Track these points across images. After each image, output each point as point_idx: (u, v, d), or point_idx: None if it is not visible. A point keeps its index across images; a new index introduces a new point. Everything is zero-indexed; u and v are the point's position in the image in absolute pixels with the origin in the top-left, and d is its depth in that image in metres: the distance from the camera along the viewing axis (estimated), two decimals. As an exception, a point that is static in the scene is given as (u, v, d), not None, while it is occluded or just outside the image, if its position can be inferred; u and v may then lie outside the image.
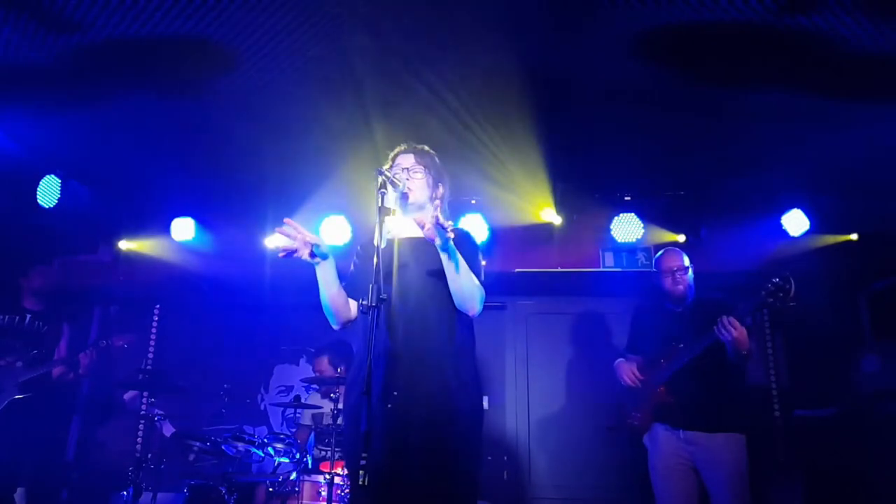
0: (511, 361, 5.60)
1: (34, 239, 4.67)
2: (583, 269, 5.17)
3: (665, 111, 3.70)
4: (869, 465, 4.29)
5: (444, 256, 2.19)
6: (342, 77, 3.35)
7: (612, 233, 4.84)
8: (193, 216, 5.03)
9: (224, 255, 5.19)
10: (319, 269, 2.24)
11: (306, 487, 3.82)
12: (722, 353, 3.16)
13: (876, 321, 5.10)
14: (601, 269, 5.17)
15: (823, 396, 4.87)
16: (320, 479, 3.78)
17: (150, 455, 4.29)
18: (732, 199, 4.80)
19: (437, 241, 2.13)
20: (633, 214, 4.81)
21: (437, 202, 2.48)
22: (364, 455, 1.78)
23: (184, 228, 4.99)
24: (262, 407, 5.67)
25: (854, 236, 4.87)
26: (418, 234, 2.21)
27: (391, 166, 2.45)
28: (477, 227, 4.70)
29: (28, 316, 4.18)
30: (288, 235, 2.15)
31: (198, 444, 4.35)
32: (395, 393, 2.10)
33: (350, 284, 2.38)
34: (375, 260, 1.99)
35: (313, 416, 4.58)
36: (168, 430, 5.23)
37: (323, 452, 4.27)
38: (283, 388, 5.69)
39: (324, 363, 4.66)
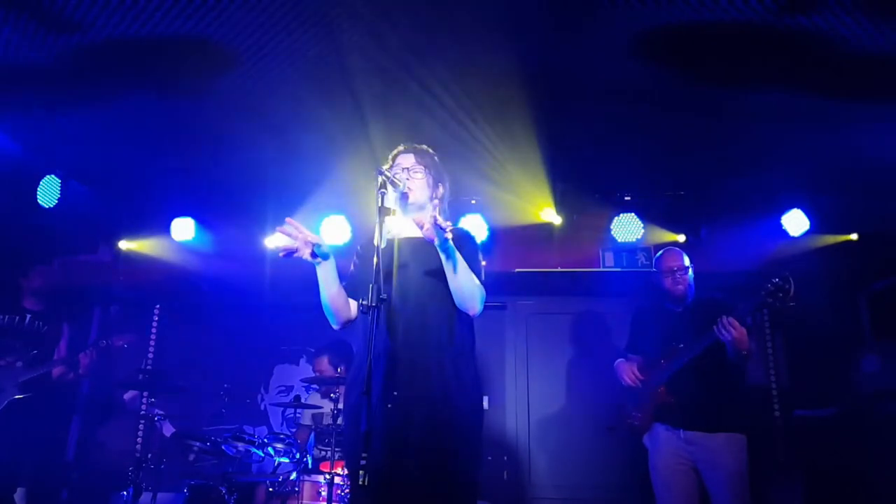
0: (511, 361, 5.60)
1: (34, 239, 4.67)
2: (583, 269, 5.18)
3: (665, 111, 3.70)
4: (869, 465, 4.29)
5: (443, 256, 2.19)
6: (342, 77, 3.34)
7: (612, 233, 4.84)
8: (193, 216, 5.03)
9: (224, 255, 5.19)
10: (320, 268, 2.24)
11: (306, 487, 3.82)
12: (722, 353, 3.16)
13: (876, 321, 5.10)
14: (601, 269, 5.17)
15: (823, 396, 4.87)
16: (320, 479, 3.78)
17: (150, 455, 4.29)
18: (732, 199, 4.80)
19: (436, 241, 2.13)
20: (633, 214, 4.81)
21: (437, 202, 2.48)
22: (364, 455, 1.78)
23: (184, 228, 4.99)
24: (262, 407, 5.67)
25: (854, 236, 4.87)
26: (418, 233, 2.21)
27: (391, 166, 2.44)
28: (477, 227, 4.70)
29: (28, 316, 4.18)
30: (289, 235, 2.15)
31: (198, 444, 4.34)
32: (395, 393, 2.10)
33: (350, 284, 2.38)
34: (375, 260, 1.99)
35: (313, 416, 4.58)
36: (168, 430, 5.23)
37: (323, 452, 4.27)
38: (283, 388, 5.69)
39: (324, 363, 4.66)
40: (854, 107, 3.58)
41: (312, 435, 4.51)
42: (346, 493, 3.63)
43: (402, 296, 2.24)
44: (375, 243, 2.02)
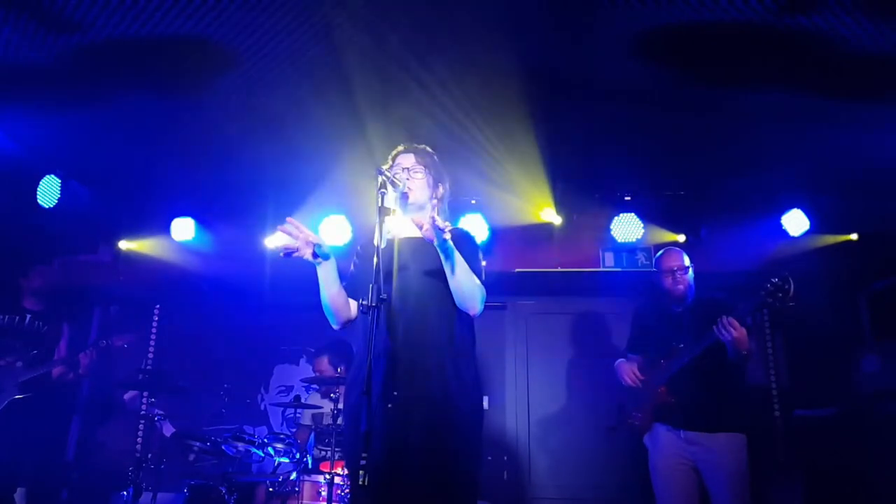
0: (511, 361, 5.60)
1: (34, 239, 4.67)
2: (583, 269, 5.17)
3: (665, 111, 3.70)
4: (869, 465, 4.28)
5: (442, 256, 2.19)
6: (342, 77, 3.34)
7: (612, 233, 4.84)
8: (193, 216, 5.03)
9: (224, 255, 5.19)
10: (321, 268, 2.24)
11: (306, 487, 3.82)
12: (722, 353, 3.15)
13: (876, 321, 5.10)
14: (601, 269, 5.17)
15: (823, 396, 4.87)
16: (320, 479, 3.78)
17: (150, 455, 4.29)
18: (732, 199, 4.80)
19: (435, 242, 2.14)
20: (633, 214, 4.81)
21: (437, 202, 2.48)
22: (364, 455, 1.78)
23: (184, 228, 4.99)
24: (262, 407, 5.67)
25: (854, 236, 4.87)
26: (419, 234, 2.21)
27: (391, 166, 2.44)
28: (477, 227, 4.70)
29: (28, 316, 4.18)
30: (289, 234, 2.15)
31: (198, 444, 4.34)
32: (395, 393, 2.10)
33: (350, 284, 2.38)
34: (375, 260, 1.99)
35: (313, 416, 4.58)
36: (168, 430, 5.23)
37: (323, 452, 4.27)
38: (283, 388, 5.69)
39: (324, 363, 4.66)
40: (854, 107, 3.58)
41: (312, 435, 4.51)
42: (346, 493, 3.63)
43: (402, 296, 2.24)
44: (375, 243, 2.02)
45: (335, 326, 2.38)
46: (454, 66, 3.30)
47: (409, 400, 2.11)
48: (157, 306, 5.80)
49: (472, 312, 2.29)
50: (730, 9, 2.78)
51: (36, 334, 4.16)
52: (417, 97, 3.47)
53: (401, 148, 2.51)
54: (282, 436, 4.14)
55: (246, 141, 4.06)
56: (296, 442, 4.12)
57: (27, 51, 3.15)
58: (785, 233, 4.66)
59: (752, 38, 2.99)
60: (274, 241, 4.92)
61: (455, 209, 2.74)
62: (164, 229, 5.02)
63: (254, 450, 4.10)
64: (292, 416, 5.22)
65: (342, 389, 3.81)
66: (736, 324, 3.05)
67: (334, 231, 4.80)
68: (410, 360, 2.16)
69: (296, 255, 2.16)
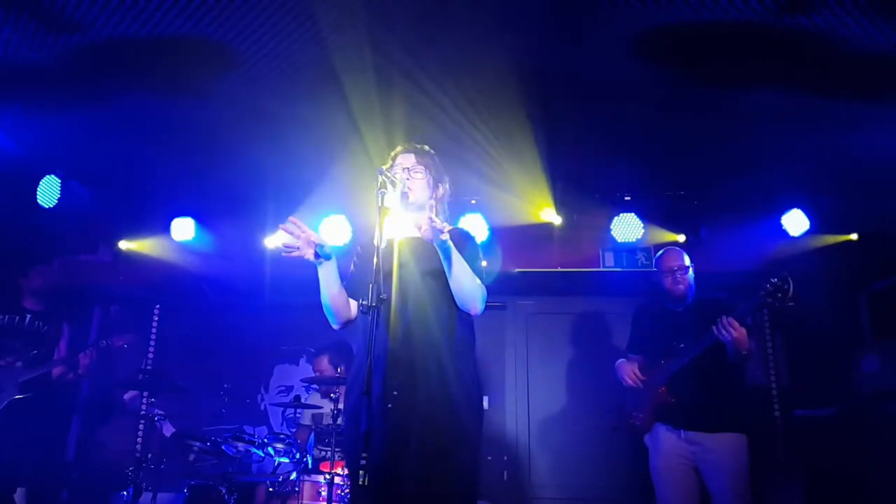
0: (511, 361, 5.60)
1: (34, 239, 4.67)
2: (583, 269, 5.17)
3: (665, 111, 3.70)
4: (869, 465, 4.28)
5: (442, 256, 2.19)
6: (342, 77, 3.34)
7: (612, 233, 4.84)
8: (193, 216, 5.03)
9: (224, 255, 5.19)
10: (322, 269, 2.24)
11: (306, 487, 3.82)
12: (722, 352, 3.15)
13: (876, 321, 5.10)
14: (601, 269, 5.16)
15: (823, 396, 4.87)
16: (320, 479, 3.78)
17: (150, 455, 4.29)
18: (732, 199, 4.80)
19: (434, 242, 2.14)
20: (633, 214, 4.81)
21: (437, 202, 2.48)
22: (364, 455, 1.78)
23: (184, 228, 4.99)
24: (262, 407, 5.67)
25: (854, 236, 4.87)
26: (419, 233, 2.22)
27: (391, 166, 2.44)
28: (477, 227, 4.70)
29: (28, 316, 4.18)
30: (290, 233, 2.16)
31: (198, 444, 4.34)
32: (395, 393, 2.10)
33: (350, 284, 2.38)
34: (375, 260, 1.99)
35: (313, 416, 4.58)
36: (168, 430, 5.23)
37: (323, 452, 4.27)
38: (283, 388, 5.69)
39: (324, 363, 4.66)
40: (854, 107, 3.58)
41: (312, 435, 4.51)
42: (346, 493, 3.63)
43: (402, 296, 2.24)
44: (375, 243, 2.02)
45: (335, 326, 2.39)
46: (455, 67, 3.29)
47: (409, 400, 2.11)
48: (157, 306, 5.80)
49: (473, 312, 2.29)
50: (730, 9, 2.78)
51: (36, 334, 4.16)
52: (418, 98, 3.47)
53: (401, 148, 2.51)
54: (282, 436, 4.14)
55: (246, 141, 4.06)
56: (296, 442, 4.12)
57: (27, 51, 3.15)
58: (785, 233, 4.65)
59: (752, 38, 2.99)
60: (274, 240, 4.92)
61: (455, 209, 2.75)
62: (164, 229, 5.02)
63: (254, 450, 4.10)
64: (292, 416, 5.22)
65: (342, 389, 3.82)
66: (736, 324, 3.05)
67: (334, 231, 4.80)
68: (410, 360, 2.16)
69: (296, 254, 2.17)
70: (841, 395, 4.88)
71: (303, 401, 4.42)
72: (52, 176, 4.43)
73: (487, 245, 4.76)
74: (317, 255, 2.19)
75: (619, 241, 4.84)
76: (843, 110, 3.61)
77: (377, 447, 1.94)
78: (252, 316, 5.68)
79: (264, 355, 5.76)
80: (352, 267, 2.49)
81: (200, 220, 5.07)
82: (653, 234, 4.89)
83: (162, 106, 3.74)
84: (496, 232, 4.85)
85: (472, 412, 2.22)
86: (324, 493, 3.67)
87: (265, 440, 4.07)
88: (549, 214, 4.83)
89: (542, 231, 4.97)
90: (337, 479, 3.64)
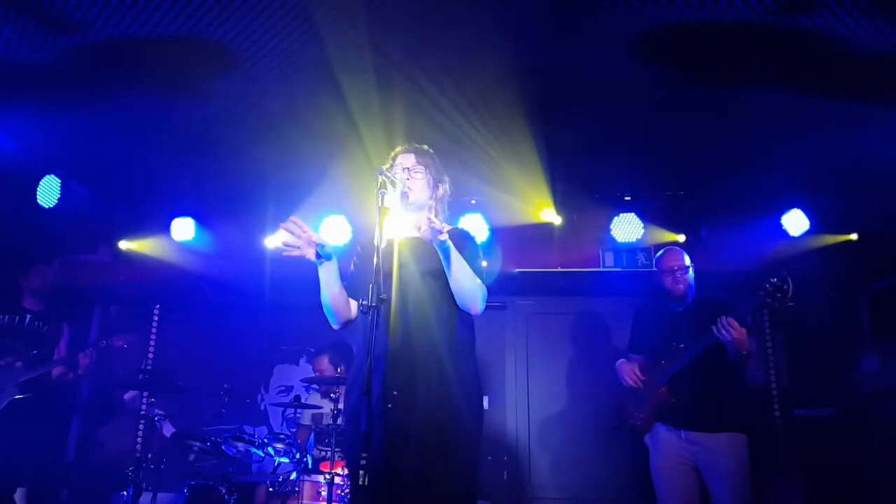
0: (511, 361, 5.60)
1: (34, 239, 4.68)
2: (583, 269, 5.17)
3: (665, 111, 3.70)
4: (869, 465, 4.29)
5: (441, 256, 2.19)
6: (342, 77, 3.34)
7: (612, 233, 4.84)
8: (193, 216, 5.03)
9: (224, 255, 5.19)
10: (323, 269, 2.25)
11: (306, 487, 3.82)
12: (722, 352, 3.16)
13: (876, 321, 5.10)
14: (601, 269, 5.16)
15: (823, 396, 4.87)
16: (320, 479, 3.78)
17: (150, 455, 4.29)
18: (732, 199, 4.80)
19: (434, 243, 2.14)
20: (633, 214, 4.81)
21: (437, 202, 2.48)
22: (364, 455, 1.78)
23: (184, 228, 4.99)
24: (262, 407, 5.67)
25: (854, 236, 4.86)
26: (419, 233, 2.22)
27: (392, 166, 2.44)
28: (477, 227, 4.70)
29: (28, 316, 4.19)
30: (291, 232, 2.16)
31: (198, 444, 4.34)
32: (395, 393, 2.10)
33: (350, 284, 2.38)
34: (375, 260, 1.99)
35: (313, 416, 4.58)
36: (168, 430, 5.24)
37: (323, 452, 4.27)
38: (283, 388, 5.69)
39: (324, 363, 4.66)
40: (854, 107, 3.58)
41: (312, 435, 4.51)
42: (346, 493, 3.63)
43: (402, 296, 2.24)
44: (375, 243, 2.02)
45: (335, 326, 2.39)
46: (455, 67, 3.29)
47: (409, 400, 2.11)
48: (157, 306, 5.80)
49: (473, 312, 2.29)
50: (730, 9, 2.78)
51: (36, 334, 4.16)
52: (417, 98, 3.47)
53: (401, 148, 2.51)
54: (282, 436, 4.14)
55: (246, 141, 4.06)
56: (296, 442, 4.12)
57: (27, 51, 3.15)
58: (785, 233, 4.65)
59: (752, 38, 2.99)
60: (275, 240, 4.92)
61: (455, 209, 2.75)
62: (164, 229, 5.02)
63: (254, 450, 4.10)
64: (292, 416, 5.22)
65: (342, 389, 3.82)
66: (735, 324, 3.05)
67: (334, 231, 4.80)
68: (410, 360, 2.16)
69: (296, 253, 2.17)
70: (841, 395, 4.88)
71: (303, 401, 4.42)
72: (52, 176, 4.43)
73: (487, 245, 4.76)
74: (318, 255, 2.19)
75: (619, 241, 4.84)
76: (843, 110, 3.61)
77: (377, 447, 1.94)
78: (252, 316, 5.68)
79: (264, 355, 5.76)
80: (352, 267, 2.49)
81: (200, 220, 5.07)
82: (653, 234, 4.89)
83: (162, 106, 3.74)
84: (496, 232, 4.85)
85: (472, 412, 2.22)
86: (324, 493, 3.67)
87: (265, 440, 4.07)
88: (549, 214, 4.83)
89: (542, 231, 4.97)
90: (337, 479, 3.64)
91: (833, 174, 4.38)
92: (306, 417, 4.68)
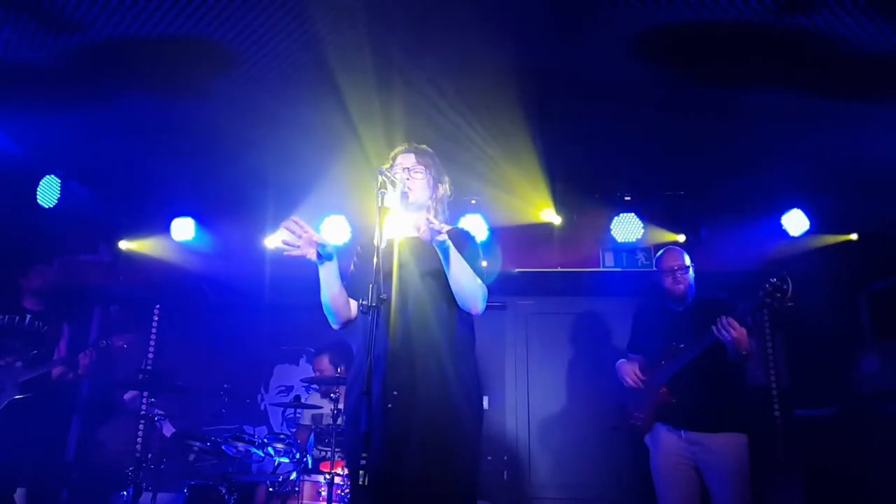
0: (511, 361, 5.60)
1: (34, 239, 4.67)
2: (583, 269, 5.17)
3: (665, 111, 3.70)
4: (869, 465, 4.28)
5: (441, 256, 2.19)
6: (342, 78, 3.34)
7: (612, 233, 4.84)
8: (193, 216, 5.03)
9: (224, 255, 5.19)
10: (323, 269, 2.24)
11: (306, 487, 3.82)
12: (723, 352, 3.15)
13: (876, 321, 5.10)
14: (601, 269, 5.16)
15: (823, 396, 4.87)
16: (320, 479, 3.78)
17: (150, 455, 4.29)
18: (732, 199, 4.80)
19: (433, 243, 2.14)
20: (633, 214, 4.81)
21: (437, 202, 2.48)
22: (364, 455, 1.78)
23: (184, 228, 4.99)
24: (262, 407, 5.67)
25: (854, 236, 4.87)
26: (418, 233, 2.21)
27: (392, 166, 2.44)
28: (477, 227, 4.70)
29: (28, 316, 4.19)
30: (292, 232, 2.16)
31: (198, 444, 4.34)
32: (395, 393, 2.10)
33: (350, 284, 2.38)
34: (375, 260, 1.99)
35: (313, 416, 4.58)
36: (168, 430, 5.24)
37: (323, 452, 4.27)
38: (283, 388, 5.69)
39: (324, 363, 4.66)
40: (854, 107, 3.58)
41: (312, 435, 4.51)
42: (346, 493, 3.64)
43: (402, 296, 2.24)
44: (375, 243, 2.02)
45: (335, 326, 2.38)
46: (454, 67, 3.29)
47: (409, 400, 2.10)
48: (157, 306, 5.80)
49: (473, 312, 2.29)
50: (730, 9, 2.78)
51: (36, 334, 4.16)
52: (417, 98, 3.47)
53: (401, 148, 2.51)
54: (282, 436, 4.14)
55: (246, 141, 4.06)
56: (296, 442, 4.12)
57: (27, 51, 3.15)
58: (785, 233, 4.66)
59: (752, 38, 2.99)
60: (275, 240, 4.92)
61: (455, 209, 2.75)
62: (164, 229, 5.02)
63: (254, 450, 4.10)
64: (292, 416, 5.23)
65: (342, 389, 3.82)
66: (735, 324, 3.05)
67: (334, 231, 4.80)
68: (410, 360, 2.16)
69: (296, 253, 2.17)
70: (841, 395, 4.88)
71: (303, 401, 4.42)
72: (52, 176, 4.43)
73: (487, 245, 4.76)
74: (319, 256, 2.19)
75: (619, 241, 4.84)
76: (843, 110, 3.61)
77: (377, 447, 1.94)
78: (252, 316, 5.68)
79: (264, 355, 5.76)
80: (352, 267, 2.49)
81: (200, 220, 5.07)
82: (653, 234, 4.89)
83: (162, 106, 3.74)
84: (496, 232, 4.85)
85: (472, 412, 2.22)
86: (324, 493, 3.67)
87: (265, 440, 4.07)
88: (549, 214, 4.83)
89: (542, 231, 4.97)
90: (337, 479, 3.64)
91: (833, 174, 4.38)
92: (306, 417, 4.68)
